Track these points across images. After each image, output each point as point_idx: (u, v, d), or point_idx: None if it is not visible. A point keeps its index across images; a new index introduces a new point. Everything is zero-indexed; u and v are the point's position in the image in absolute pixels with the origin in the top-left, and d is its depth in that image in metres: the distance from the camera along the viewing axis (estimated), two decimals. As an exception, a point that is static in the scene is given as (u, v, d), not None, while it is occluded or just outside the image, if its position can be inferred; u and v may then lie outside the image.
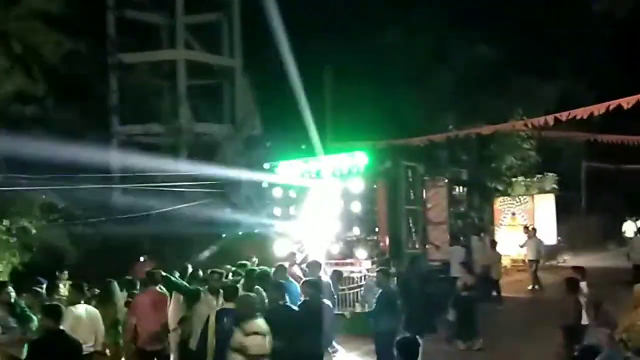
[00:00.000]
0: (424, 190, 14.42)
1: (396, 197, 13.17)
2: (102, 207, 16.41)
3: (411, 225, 13.40)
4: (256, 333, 6.30)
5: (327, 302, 7.84)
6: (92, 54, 18.98)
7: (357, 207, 12.66)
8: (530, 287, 16.61)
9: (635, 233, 14.85)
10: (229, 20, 25.24)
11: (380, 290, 8.85)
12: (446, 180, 15.43)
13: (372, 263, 12.22)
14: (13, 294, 7.46)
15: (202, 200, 17.82)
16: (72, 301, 7.45)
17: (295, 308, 7.29)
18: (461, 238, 14.32)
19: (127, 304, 8.73)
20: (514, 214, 20.85)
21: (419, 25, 23.44)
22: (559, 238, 19.93)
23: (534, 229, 17.76)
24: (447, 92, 23.30)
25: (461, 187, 16.63)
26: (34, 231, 15.01)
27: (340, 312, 11.06)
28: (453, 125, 21.28)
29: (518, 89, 23.05)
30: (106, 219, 15.92)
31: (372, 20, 23.94)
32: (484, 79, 22.97)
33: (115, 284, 8.89)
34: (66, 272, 13.40)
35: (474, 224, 16.66)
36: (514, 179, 21.95)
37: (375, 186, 13.24)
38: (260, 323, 6.42)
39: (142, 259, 14.46)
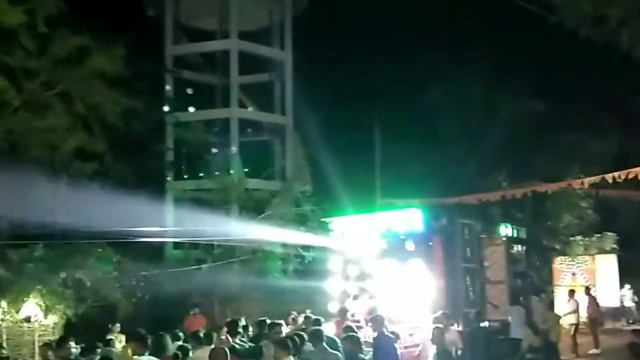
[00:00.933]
0: (481, 248, 14.14)
1: (453, 255, 12.94)
2: (155, 261, 16.60)
3: (469, 283, 13.10)
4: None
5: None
6: (150, 112, 19.66)
7: (414, 266, 12.53)
8: (591, 351, 15.89)
9: None
10: (281, 79, 25.92)
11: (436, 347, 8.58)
12: (504, 239, 15.09)
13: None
14: (74, 350, 7.40)
15: (252, 255, 17.89)
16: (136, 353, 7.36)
17: None
18: (520, 298, 13.84)
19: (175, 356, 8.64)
20: (574, 274, 20.14)
21: (468, 80, 23.45)
22: (635, 298, 19.08)
23: (572, 291, 17.09)
24: (497, 148, 23.04)
25: (520, 246, 16.19)
26: (88, 284, 15.25)
27: None
28: (506, 183, 20.94)
29: (571, 146, 22.61)
30: (159, 272, 16.06)
31: (421, 76, 24.13)
32: (536, 134, 22.66)
33: (168, 337, 8.85)
34: (118, 325, 13.48)
35: (533, 283, 16.11)
36: (571, 238, 21.27)
37: (430, 243, 13.06)
38: None
39: (193, 312, 14.43)
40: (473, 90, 22.89)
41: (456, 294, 12.73)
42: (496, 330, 13.35)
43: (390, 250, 13.01)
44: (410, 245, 12.50)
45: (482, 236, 14.18)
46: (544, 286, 18.09)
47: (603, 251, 20.91)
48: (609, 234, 21.56)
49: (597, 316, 17.08)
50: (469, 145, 23.66)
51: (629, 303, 20.06)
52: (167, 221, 20.36)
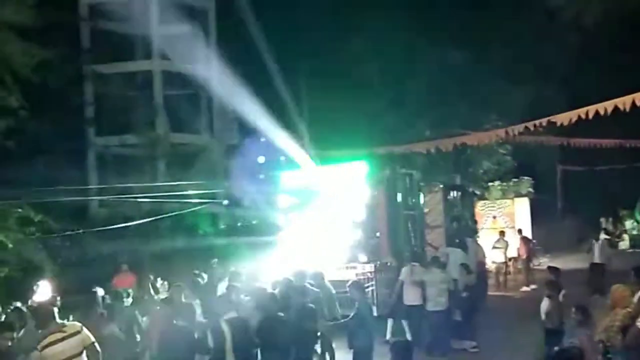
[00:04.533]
0: (421, 196, 15.06)
1: (395, 203, 13.74)
2: (80, 219, 16.21)
3: (410, 229, 13.98)
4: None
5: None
6: (66, 65, 18.81)
7: (359, 214, 13.08)
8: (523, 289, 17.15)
9: (596, 240, 15.27)
10: (205, 31, 25.20)
11: (356, 305, 8.73)
12: (441, 186, 16.07)
13: (374, 267, 12.77)
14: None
15: (180, 211, 17.74)
16: None
17: None
18: (457, 240, 14.69)
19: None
20: (494, 217, 21.27)
21: (388, 32, 23.59)
22: (534, 241, 20.28)
23: (502, 232, 18.40)
24: (421, 98, 23.48)
25: (455, 192, 17.15)
26: (10, 245, 14.77)
27: None
28: (430, 131, 21.51)
29: (489, 94, 23.35)
30: (84, 232, 15.71)
31: (342, 27, 24.03)
32: (456, 84, 23.23)
33: (98, 295, 8.85)
34: (44, 286, 13.18)
35: (468, 226, 17.08)
36: (490, 184, 22.26)
37: (375, 193, 13.74)
38: None
39: (121, 270, 14.30)
40: (396, 40, 23.04)
41: (399, 238, 13.59)
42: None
43: (333, 202, 13.59)
44: (356, 195, 13.09)
45: (422, 184, 15.05)
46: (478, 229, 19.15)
47: (520, 195, 22.07)
48: (526, 178, 22.72)
49: (530, 255, 18.32)
50: (395, 96, 23.99)
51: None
52: (91, 178, 19.83)
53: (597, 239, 15.26)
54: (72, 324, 6.93)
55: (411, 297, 11.11)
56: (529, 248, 18.51)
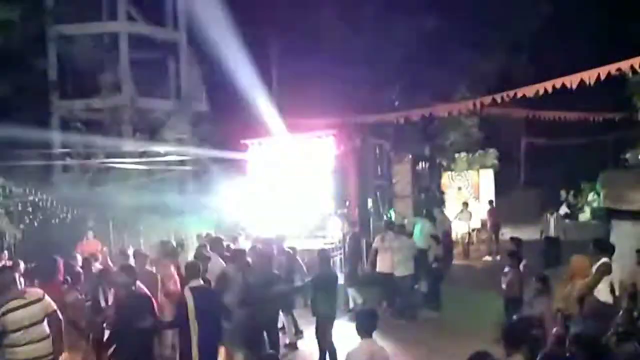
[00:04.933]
0: (390, 166, 15.26)
1: (365, 173, 13.89)
2: (43, 185, 15.89)
3: (379, 198, 14.19)
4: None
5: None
6: (28, 24, 18.21)
7: (329, 183, 13.25)
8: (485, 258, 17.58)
9: (553, 212, 15.65)
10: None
11: (317, 274, 8.89)
12: (410, 156, 16.25)
13: (343, 235, 12.83)
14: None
15: (144, 179, 17.52)
16: None
17: None
18: (424, 210, 14.94)
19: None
20: (460, 188, 21.60)
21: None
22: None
23: (466, 203, 18.73)
24: (390, 67, 23.40)
25: (424, 162, 17.36)
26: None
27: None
28: (399, 102, 21.55)
29: (458, 65, 23.40)
30: (47, 198, 15.42)
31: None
32: (425, 54, 23.19)
33: (58, 261, 8.73)
34: (6, 252, 13.01)
35: (436, 197, 17.35)
36: (457, 155, 22.51)
37: (345, 162, 13.86)
38: None
39: (87, 236, 14.14)
40: (367, 8, 22.83)
41: (367, 208, 13.79)
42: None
43: (303, 171, 13.63)
44: (325, 165, 13.16)
45: (391, 154, 15.22)
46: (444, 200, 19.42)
47: (485, 167, 22.42)
48: (491, 150, 23.05)
49: (498, 225, 18.73)
50: (365, 65, 23.86)
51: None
52: (54, 142, 19.39)
53: (552, 213, 15.60)
54: (35, 290, 6.83)
55: (384, 264, 11.33)
56: (497, 219, 18.89)
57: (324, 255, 8.95)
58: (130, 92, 20.78)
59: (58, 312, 6.72)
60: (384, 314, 10.29)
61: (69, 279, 8.59)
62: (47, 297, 6.66)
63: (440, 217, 15.51)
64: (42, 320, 6.53)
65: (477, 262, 17.68)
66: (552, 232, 15.12)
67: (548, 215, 15.46)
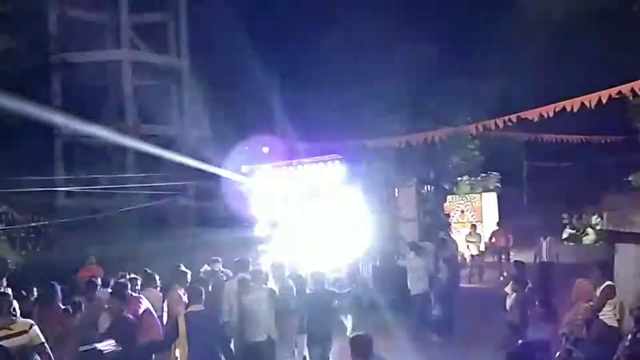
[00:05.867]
0: (395, 190, 15.28)
1: (372, 198, 13.90)
2: (46, 211, 15.92)
3: (386, 223, 14.21)
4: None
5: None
6: (34, 53, 18.43)
7: (334, 208, 13.13)
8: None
9: (546, 236, 15.51)
10: (176, 20, 24.86)
11: (313, 291, 8.90)
12: (415, 180, 16.28)
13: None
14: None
15: (150, 203, 17.55)
16: None
17: None
18: (440, 236, 14.89)
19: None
20: (462, 211, 21.58)
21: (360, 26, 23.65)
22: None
23: (474, 225, 18.72)
24: (393, 92, 23.57)
25: (428, 186, 17.39)
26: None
27: None
28: (400, 126, 21.62)
29: (460, 89, 23.55)
30: (50, 223, 15.44)
31: (315, 21, 24.01)
32: (428, 79, 23.38)
33: (57, 287, 8.66)
34: (4, 280, 12.92)
35: (441, 220, 17.36)
36: (459, 178, 22.53)
37: (352, 188, 13.86)
38: None
39: (89, 262, 14.06)
40: (369, 35, 23.10)
41: (374, 233, 13.78)
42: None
43: (312, 197, 13.65)
44: (331, 189, 13.19)
45: (396, 179, 15.26)
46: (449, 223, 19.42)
47: (487, 190, 22.42)
48: (493, 173, 23.07)
49: (508, 246, 18.63)
50: (368, 90, 24.03)
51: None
52: (58, 169, 19.48)
53: (545, 237, 15.41)
54: (24, 321, 6.59)
55: (413, 285, 11.52)
56: (508, 238, 18.78)
57: (317, 277, 8.95)
58: (134, 118, 20.93)
59: (46, 344, 6.49)
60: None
61: (69, 307, 8.49)
62: (34, 329, 6.45)
63: (447, 240, 15.50)
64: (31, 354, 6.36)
65: (490, 284, 17.41)
66: (545, 257, 14.99)
67: (542, 239, 15.34)
